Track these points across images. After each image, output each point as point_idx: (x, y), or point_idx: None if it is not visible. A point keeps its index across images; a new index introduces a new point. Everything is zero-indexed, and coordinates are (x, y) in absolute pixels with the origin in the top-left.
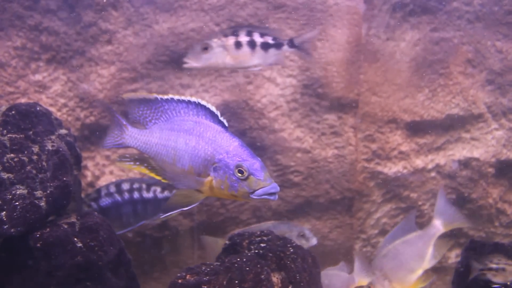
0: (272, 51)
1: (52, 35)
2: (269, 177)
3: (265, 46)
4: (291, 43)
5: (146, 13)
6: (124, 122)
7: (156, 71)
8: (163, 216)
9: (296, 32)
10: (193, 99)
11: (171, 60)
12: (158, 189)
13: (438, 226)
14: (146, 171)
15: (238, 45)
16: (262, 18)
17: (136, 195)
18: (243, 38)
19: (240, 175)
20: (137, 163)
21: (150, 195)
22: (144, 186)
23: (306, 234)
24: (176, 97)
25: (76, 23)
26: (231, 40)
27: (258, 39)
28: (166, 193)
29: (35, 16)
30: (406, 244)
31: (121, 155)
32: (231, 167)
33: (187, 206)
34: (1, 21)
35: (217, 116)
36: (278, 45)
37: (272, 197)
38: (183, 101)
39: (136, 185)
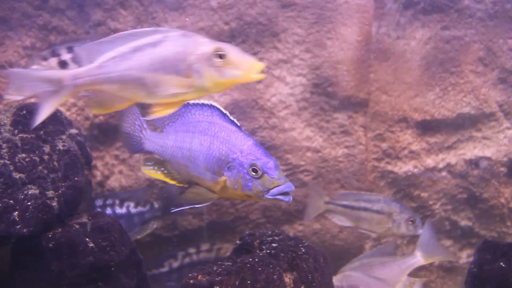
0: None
1: (61, 34)
2: (283, 176)
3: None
4: None
5: (155, 12)
6: (145, 126)
7: None
8: (173, 210)
9: (306, 30)
10: (206, 101)
11: None
12: (132, 204)
13: (419, 257)
14: (162, 177)
15: (63, 64)
16: (271, 17)
17: (108, 211)
18: (66, 56)
19: (254, 174)
20: (155, 167)
21: (123, 210)
22: (117, 202)
23: (416, 222)
24: (191, 101)
25: (85, 22)
26: (53, 62)
27: None
28: (139, 208)
29: (44, 15)
30: (382, 265)
31: (146, 158)
32: (245, 166)
33: (199, 204)
34: (11, 21)
35: (229, 117)
36: None
37: (286, 199)
38: (197, 104)
39: (109, 201)
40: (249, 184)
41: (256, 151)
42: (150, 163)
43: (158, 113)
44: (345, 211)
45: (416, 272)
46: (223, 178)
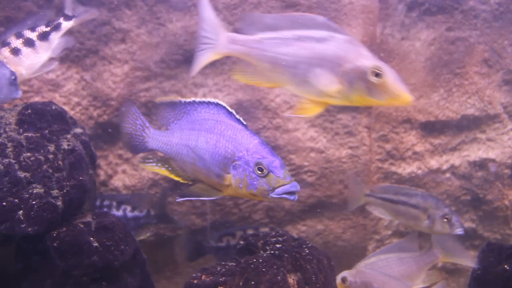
0: (53, 36)
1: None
2: (289, 175)
3: (44, 36)
4: (67, 17)
5: (159, 12)
6: (147, 125)
7: (169, 70)
8: (179, 199)
9: None
10: (212, 100)
11: (185, 59)
12: (129, 208)
13: (437, 255)
14: (166, 173)
15: (15, 51)
16: None
17: None
18: (16, 42)
19: (259, 172)
20: (159, 164)
21: (119, 213)
22: (114, 203)
23: (452, 220)
24: (197, 99)
25: (89, 22)
26: (5, 51)
27: (31, 34)
28: (135, 213)
29: (49, 14)
30: (400, 262)
31: (144, 156)
32: (251, 165)
33: (204, 197)
34: (16, 20)
35: (235, 115)
36: (55, 27)
37: (291, 198)
38: (203, 102)
39: (106, 202)
40: (255, 182)
41: (262, 150)
42: (151, 160)
43: (299, 113)
44: (384, 204)
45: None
46: (229, 176)
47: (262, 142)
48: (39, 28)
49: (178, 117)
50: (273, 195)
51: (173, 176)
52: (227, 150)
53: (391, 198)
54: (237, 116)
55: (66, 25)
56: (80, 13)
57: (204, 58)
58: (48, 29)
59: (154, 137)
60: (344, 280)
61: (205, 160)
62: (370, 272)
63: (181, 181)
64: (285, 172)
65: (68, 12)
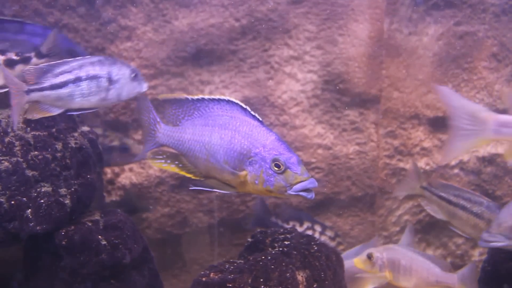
0: (19, 67)
1: (71, 31)
2: (306, 172)
3: (10, 63)
4: (39, 54)
5: (165, 9)
6: (158, 119)
7: (175, 67)
8: (192, 188)
9: (317, 27)
10: (223, 97)
11: (191, 56)
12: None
13: (456, 284)
14: (176, 170)
15: (11, 63)
16: (282, 13)
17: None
18: (10, 54)
19: (276, 169)
20: (168, 161)
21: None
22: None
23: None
24: (207, 96)
25: (96, 20)
26: None
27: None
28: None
29: (55, 13)
30: (422, 263)
31: (154, 152)
32: (268, 161)
33: (218, 190)
34: (22, 18)
35: (249, 112)
36: (24, 60)
37: (309, 196)
38: (214, 99)
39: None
40: (271, 179)
41: (279, 146)
42: (160, 157)
43: None
44: (440, 202)
45: None
46: (244, 172)
47: (279, 138)
48: (9, 53)
49: (189, 114)
50: (290, 191)
51: (183, 173)
52: (243, 146)
53: (450, 199)
54: (252, 112)
55: (35, 61)
56: (54, 55)
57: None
58: (17, 58)
59: (165, 133)
60: (370, 256)
61: (219, 156)
62: (399, 249)
63: (192, 177)
64: (303, 169)
65: (43, 49)
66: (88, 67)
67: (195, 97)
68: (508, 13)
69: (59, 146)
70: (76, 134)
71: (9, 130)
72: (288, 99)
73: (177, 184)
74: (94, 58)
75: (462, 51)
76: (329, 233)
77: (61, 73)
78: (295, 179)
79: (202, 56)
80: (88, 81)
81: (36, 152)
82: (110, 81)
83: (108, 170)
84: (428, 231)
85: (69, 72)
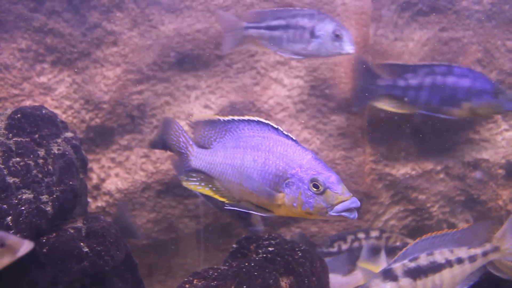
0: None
1: (57, 36)
2: (347, 191)
3: None
4: None
5: (151, 14)
6: (191, 142)
7: (161, 73)
8: (227, 207)
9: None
10: (252, 118)
11: (177, 61)
12: None
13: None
14: (210, 193)
15: None
16: None
17: None
18: None
19: (315, 189)
20: (203, 183)
21: None
22: None
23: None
24: (236, 117)
25: (81, 25)
26: None
27: None
28: None
29: (40, 17)
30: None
31: (187, 174)
32: (306, 182)
33: (255, 212)
34: (6, 23)
35: (281, 131)
36: None
37: (351, 216)
38: (244, 120)
39: None
40: (311, 200)
41: (316, 165)
42: (194, 179)
43: None
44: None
45: None
46: (281, 195)
47: (315, 157)
48: None
49: (220, 135)
50: (331, 213)
51: (217, 197)
52: (278, 167)
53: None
54: (285, 132)
55: None
56: None
57: None
58: None
59: (198, 156)
60: None
61: (253, 179)
62: None
63: (227, 201)
64: (343, 188)
65: None
66: (299, 18)
67: (226, 118)
68: (492, 19)
69: (41, 152)
70: (59, 140)
71: None
72: (274, 104)
73: (163, 189)
74: (308, 11)
75: (447, 56)
76: (374, 233)
77: (278, 18)
78: (336, 199)
79: (188, 61)
80: (294, 30)
81: (17, 159)
82: (312, 34)
83: (94, 176)
84: (415, 237)
85: (283, 18)
